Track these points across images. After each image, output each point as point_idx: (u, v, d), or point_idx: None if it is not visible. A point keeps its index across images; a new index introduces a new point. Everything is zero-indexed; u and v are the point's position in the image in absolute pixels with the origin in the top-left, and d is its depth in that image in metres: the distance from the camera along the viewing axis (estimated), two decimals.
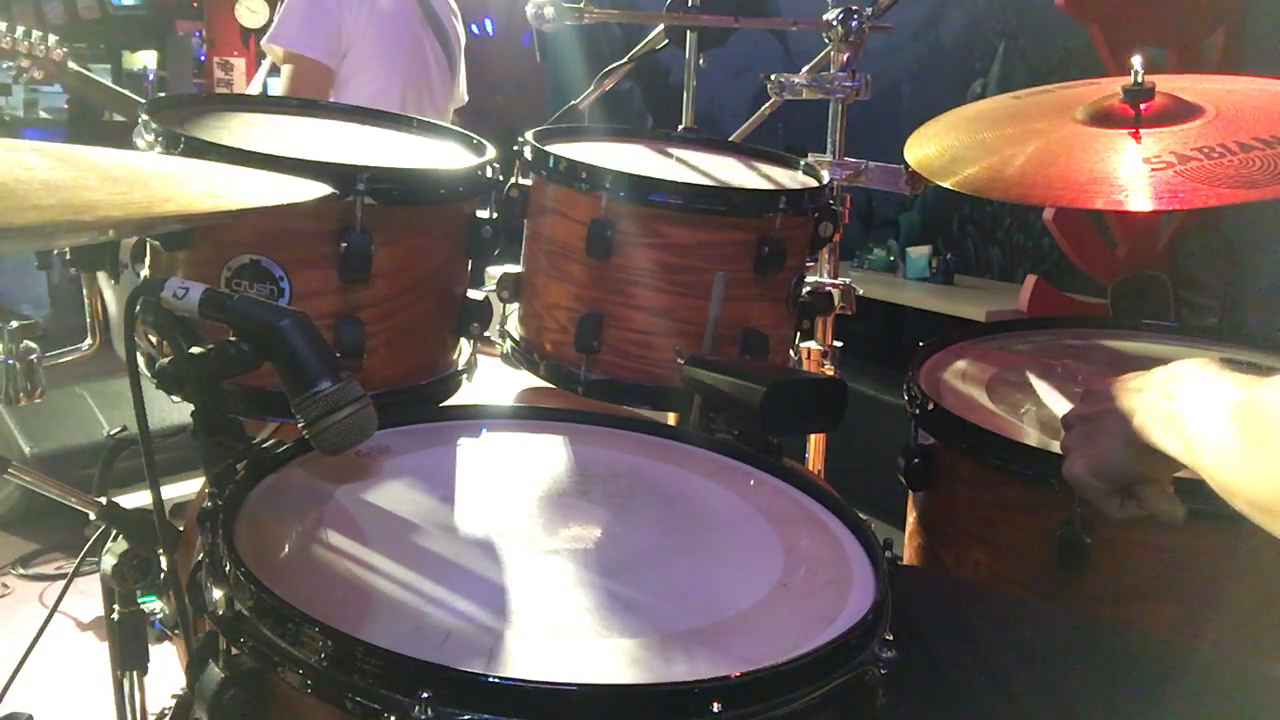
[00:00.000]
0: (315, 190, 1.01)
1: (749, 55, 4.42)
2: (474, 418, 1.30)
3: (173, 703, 1.03)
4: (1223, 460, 0.82)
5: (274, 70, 3.10)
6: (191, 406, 1.04)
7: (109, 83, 2.83)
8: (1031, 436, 1.34)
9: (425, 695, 0.73)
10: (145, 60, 6.76)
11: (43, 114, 6.14)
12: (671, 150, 1.70)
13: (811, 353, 1.82)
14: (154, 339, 1.31)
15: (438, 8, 3.05)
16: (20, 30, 2.38)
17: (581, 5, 1.82)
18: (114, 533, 1.25)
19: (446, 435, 1.25)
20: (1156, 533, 1.14)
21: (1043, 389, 1.34)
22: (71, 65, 2.53)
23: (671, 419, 1.55)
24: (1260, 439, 0.79)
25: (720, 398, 1.30)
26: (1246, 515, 0.81)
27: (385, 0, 2.89)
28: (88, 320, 1.47)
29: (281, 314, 0.98)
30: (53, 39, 2.41)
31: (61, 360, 1.42)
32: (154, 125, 1.29)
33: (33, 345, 1.31)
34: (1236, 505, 0.81)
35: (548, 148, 1.48)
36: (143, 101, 1.47)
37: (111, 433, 1.34)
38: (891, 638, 0.88)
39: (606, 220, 1.39)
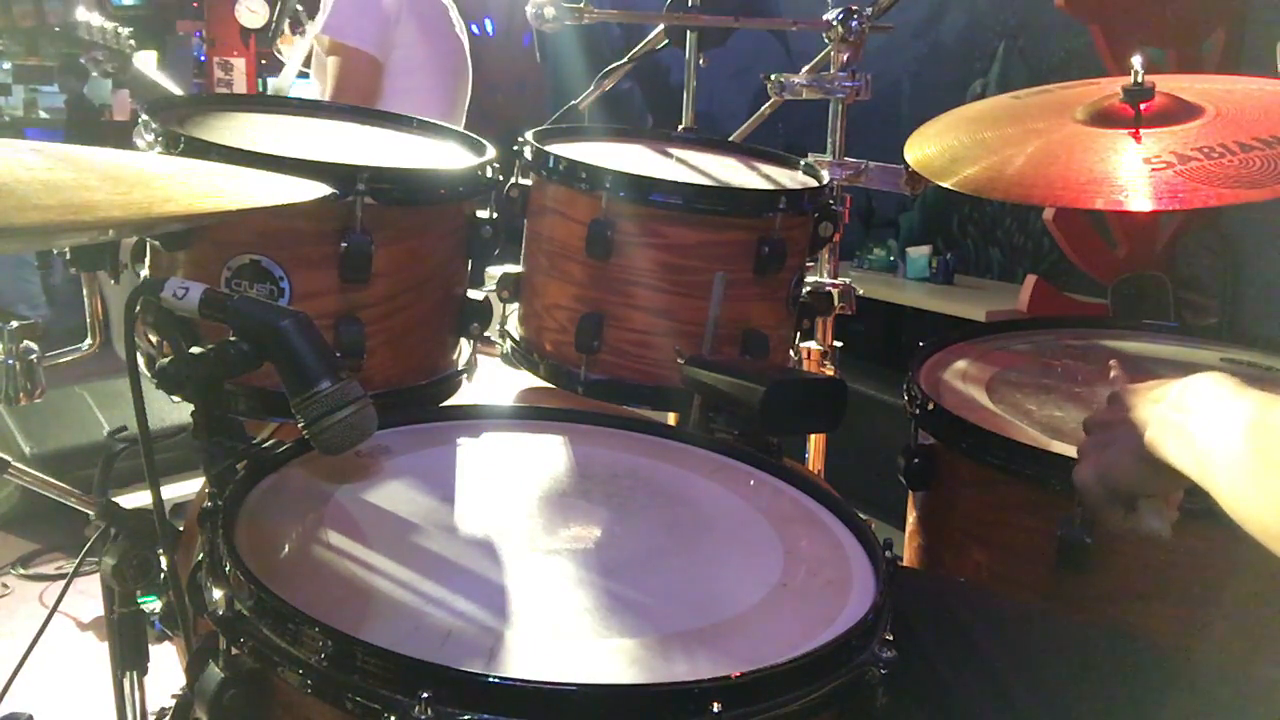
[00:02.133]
0: (315, 190, 1.01)
1: (749, 55, 4.42)
2: (474, 418, 1.30)
3: (173, 703, 1.03)
4: (1237, 482, 0.80)
5: (306, 65, 3.08)
6: (191, 406, 1.04)
7: (164, 83, 2.77)
8: (1031, 436, 1.34)
9: (425, 695, 0.73)
10: (145, 60, 6.75)
11: (42, 114, 6.14)
12: (671, 150, 1.70)
13: (811, 353, 1.82)
14: (154, 339, 1.31)
15: (448, 3, 3.06)
16: (99, 20, 2.32)
17: (581, 5, 1.82)
18: (114, 533, 1.25)
19: (446, 435, 1.25)
20: None
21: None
22: (137, 61, 2.47)
23: (671, 419, 1.55)
24: (1276, 463, 0.77)
25: (720, 398, 1.30)
26: (1258, 539, 0.78)
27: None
28: (88, 320, 1.47)
29: (281, 314, 0.98)
30: (125, 30, 2.35)
31: (61, 360, 1.42)
32: (154, 125, 1.29)
33: (33, 345, 1.31)
34: (1248, 529, 0.79)
35: (548, 148, 1.48)
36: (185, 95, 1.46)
37: (111, 433, 1.34)
38: (891, 638, 0.88)
39: (606, 220, 1.39)
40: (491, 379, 1.61)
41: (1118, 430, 0.97)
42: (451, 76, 2.97)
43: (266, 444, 1.11)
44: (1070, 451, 1.26)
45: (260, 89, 6.65)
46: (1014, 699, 1.04)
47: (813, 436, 1.95)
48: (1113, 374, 1.13)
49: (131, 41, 2.30)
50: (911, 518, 1.51)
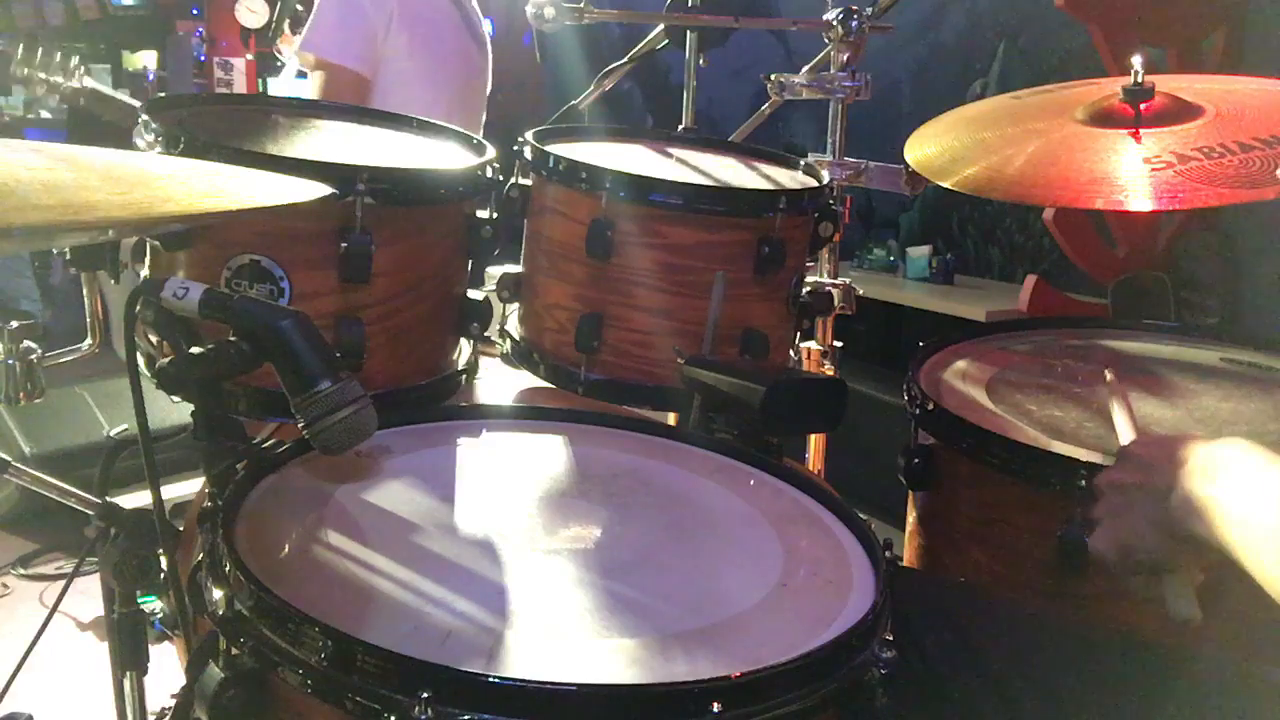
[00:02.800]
0: (315, 190, 1.01)
1: (749, 55, 4.42)
2: (474, 418, 1.30)
3: (173, 703, 1.03)
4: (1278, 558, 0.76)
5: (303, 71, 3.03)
6: (191, 406, 1.04)
7: (125, 97, 2.71)
8: (1031, 436, 1.34)
9: (425, 695, 0.73)
10: (145, 60, 6.76)
11: (43, 114, 6.14)
12: (671, 150, 1.70)
13: (811, 353, 1.82)
14: (154, 339, 1.31)
15: (464, 3, 2.89)
16: (39, 54, 2.27)
17: (581, 5, 1.82)
18: (114, 533, 1.24)
19: (446, 435, 1.25)
20: None
21: (1120, 423, 1.20)
22: (89, 83, 2.40)
23: (671, 419, 1.55)
24: None
25: (720, 398, 1.30)
26: None
27: (424, 5, 2.72)
28: (88, 320, 1.47)
29: (281, 314, 0.98)
30: (73, 60, 2.29)
31: (61, 360, 1.42)
32: (154, 125, 1.29)
33: (33, 345, 1.31)
34: None
35: (548, 148, 1.48)
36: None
37: (111, 433, 1.34)
38: (891, 638, 0.88)
39: (606, 220, 1.39)
40: (492, 379, 1.61)
41: (1134, 496, 0.94)
42: (450, 87, 2.80)
43: (266, 444, 1.11)
44: (1070, 452, 1.26)
45: (260, 89, 6.66)
46: (1014, 699, 1.04)
47: (813, 436, 1.95)
48: (1108, 377, 1.12)
49: (81, 69, 2.22)
50: (911, 518, 1.51)
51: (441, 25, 2.78)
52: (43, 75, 2.14)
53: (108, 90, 2.51)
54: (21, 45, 2.25)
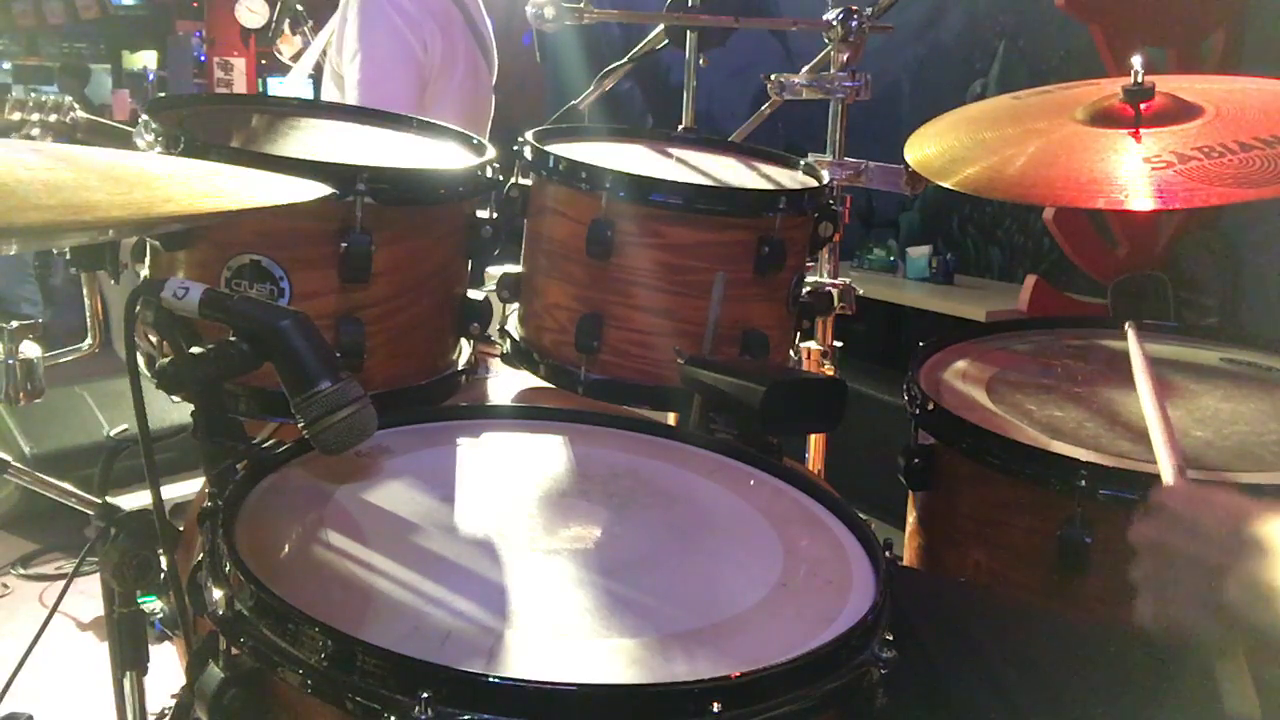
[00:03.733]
0: (315, 190, 1.01)
1: (749, 55, 4.42)
2: (474, 418, 1.30)
3: (173, 703, 1.03)
4: None
5: (312, 72, 3.00)
6: (191, 406, 1.04)
7: (119, 125, 2.68)
8: (1031, 436, 1.34)
9: (425, 695, 0.73)
10: (145, 60, 6.77)
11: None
12: (671, 150, 1.70)
13: (811, 353, 1.82)
14: (154, 339, 1.31)
15: (472, 10, 2.85)
16: (33, 98, 2.29)
17: (581, 5, 1.82)
18: (114, 533, 1.25)
19: (446, 435, 1.25)
20: None
21: (1155, 436, 1.09)
22: (82, 115, 2.41)
23: (671, 419, 1.55)
24: None
25: (720, 398, 1.30)
26: None
27: (447, 27, 2.69)
28: (88, 320, 1.48)
29: (281, 314, 0.98)
30: (67, 99, 2.32)
31: (61, 360, 1.42)
32: (154, 125, 1.29)
33: (33, 345, 1.31)
34: None
35: (548, 148, 1.48)
36: None
37: (111, 433, 1.34)
38: (891, 638, 0.88)
39: (606, 220, 1.39)
40: (491, 379, 1.61)
41: (1179, 570, 0.87)
42: (458, 102, 2.77)
43: (266, 444, 1.11)
44: (1070, 452, 1.26)
45: (260, 89, 6.67)
46: (1014, 698, 1.04)
47: (813, 436, 1.95)
48: (1141, 368, 1.07)
49: (75, 105, 2.24)
50: (911, 518, 1.51)
51: (454, 42, 2.76)
52: (37, 117, 2.15)
53: (102, 120, 2.52)
54: (12, 93, 2.25)
